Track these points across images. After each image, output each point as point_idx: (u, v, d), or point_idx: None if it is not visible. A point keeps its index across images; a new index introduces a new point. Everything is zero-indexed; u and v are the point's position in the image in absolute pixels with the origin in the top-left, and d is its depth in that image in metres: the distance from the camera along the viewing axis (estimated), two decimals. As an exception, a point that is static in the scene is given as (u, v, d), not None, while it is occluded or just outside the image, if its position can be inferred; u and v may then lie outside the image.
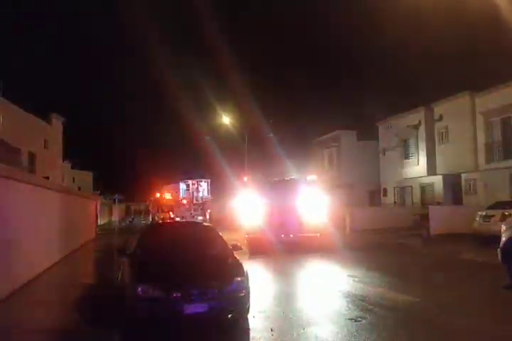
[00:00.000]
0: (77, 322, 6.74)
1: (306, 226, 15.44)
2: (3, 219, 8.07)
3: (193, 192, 32.14)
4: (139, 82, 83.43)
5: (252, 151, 34.88)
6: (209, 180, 33.48)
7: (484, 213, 15.35)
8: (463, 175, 24.78)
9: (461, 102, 24.77)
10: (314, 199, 16.01)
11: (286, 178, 17.98)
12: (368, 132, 34.02)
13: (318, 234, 15.55)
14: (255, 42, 73.99)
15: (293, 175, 18.60)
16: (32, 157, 25.66)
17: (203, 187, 32.80)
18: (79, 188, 40.56)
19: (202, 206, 31.89)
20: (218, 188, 39.43)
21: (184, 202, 31.57)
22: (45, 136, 29.06)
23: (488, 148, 23.06)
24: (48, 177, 19.11)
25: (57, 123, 31.73)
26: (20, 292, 8.58)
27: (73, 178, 43.62)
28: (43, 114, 29.36)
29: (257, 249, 14.74)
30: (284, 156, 34.43)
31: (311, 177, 17.26)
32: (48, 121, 30.25)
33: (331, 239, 16.82)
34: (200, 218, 29.52)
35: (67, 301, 8.00)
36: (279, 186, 16.91)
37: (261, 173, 21.92)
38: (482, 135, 23.48)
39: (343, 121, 35.40)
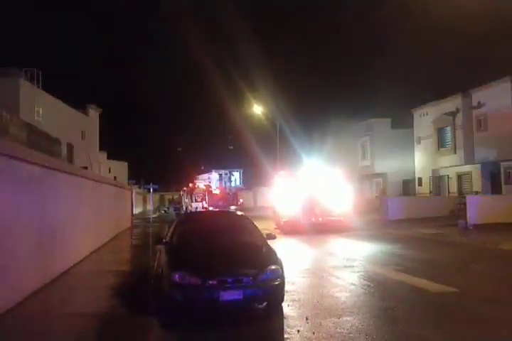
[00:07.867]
0: (114, 307, 6.95)
1: (331, 211, 18.83)
2: (49, 209, 8.35)
3: (225, 182, 32.27)
4: (174, 68, 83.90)
5: (283, 141, 34.77)
6: (241, 170, 33.58)
7: (525, 203, 14.89)
8: (502, 164, 24.00)
9: (501, 88, 23.89)
10: (339, 189, 19.40)
11: (314, 172, 20.79)
12: (403, 120, 33.23)
13: (342, 218, 18.87)
14: (289, 31, 73.38)
15: (321, 167, 21.35)
16: (70, 148, 26.37)
17: (236, 177, 32.92)
18: (114, 178, 41.44)
19: (234, 195, 32.04)
20: (250, 178, 39.53)
21: (217, 191, 31.68)
22: (83, 126, 29.78)
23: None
24: (86, 168, 19.62)
25: (94, 114, 32.45)
26: (64, 276, 8.91)
27: (109, 168, 44.50)
28: (80, 105, 30.09)
29: (292, 230, 18.13)
30: (317, 146, 34.28)
31: (337, 170, 20.42)
32: (85, 112, 30.99)
33: (352, 222, 19.55)
34: (233, 207, 29.70)
35: (105, 287, 8.25)
36: (309, 178, 20.04)
37: (292, 166, 25.96)
38: (524, 122, 22.65)
39: (377, 108, 34.61)
